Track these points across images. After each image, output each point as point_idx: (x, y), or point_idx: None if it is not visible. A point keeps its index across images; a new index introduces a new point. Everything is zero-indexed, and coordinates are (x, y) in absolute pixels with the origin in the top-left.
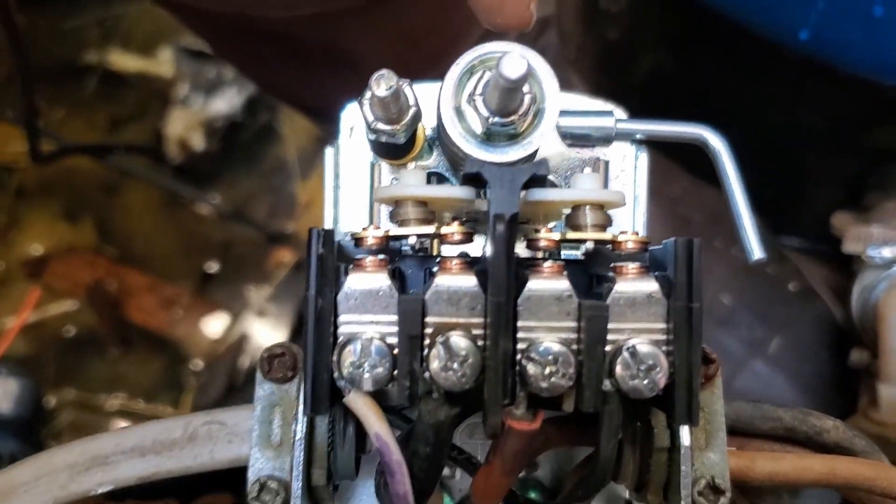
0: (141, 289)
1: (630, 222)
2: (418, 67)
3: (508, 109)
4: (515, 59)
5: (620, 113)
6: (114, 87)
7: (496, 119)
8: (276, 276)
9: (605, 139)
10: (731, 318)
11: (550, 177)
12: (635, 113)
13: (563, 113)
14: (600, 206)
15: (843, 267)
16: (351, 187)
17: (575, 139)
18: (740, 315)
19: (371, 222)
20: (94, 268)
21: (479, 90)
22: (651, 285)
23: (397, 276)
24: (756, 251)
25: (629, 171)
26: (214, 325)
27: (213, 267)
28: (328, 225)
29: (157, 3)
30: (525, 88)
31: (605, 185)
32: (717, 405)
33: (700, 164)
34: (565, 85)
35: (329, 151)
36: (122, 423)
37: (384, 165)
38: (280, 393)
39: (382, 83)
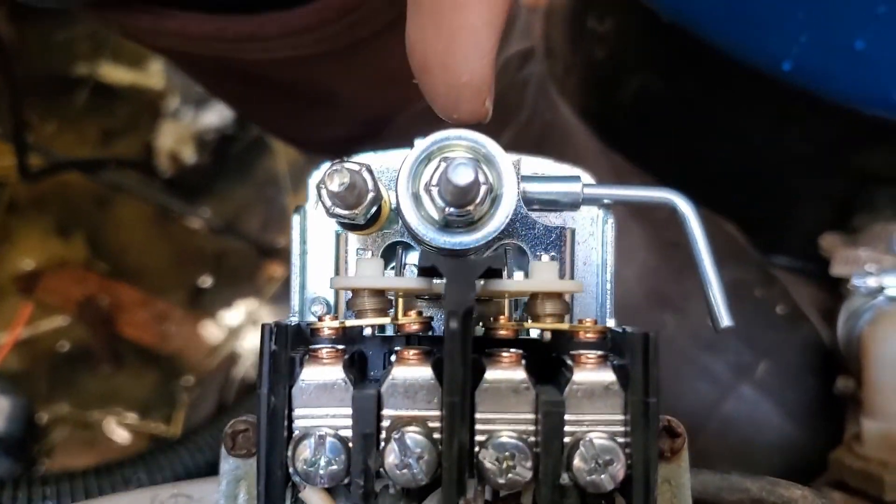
0: (133, 304)
1: (598, 289)
2: (399, 102)
3: (463, 202)
4: (462, 168)
5: (587, 178)
6: (105, 99)
7: (451, 210)
8: (268, 290)
9: (573, 205)
10: (718, 342)
11: (518, 242)
12: (622, 132)
13: (530, 179)
14: (558, 295)
15: (832, 288)
16: (319, 252)
17: (542, 205)
18: (727, 339)
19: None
20: (86, 283)
21: (434, 180)
22: (608, 376)
23: (357, 361)
24: (724, 319)
25: (597, 235)
26: (207, 340)
27: (206, 282)
28: (295, 290)
29: (135, 42)
30: (481, 178)
31: (572, 254)
32: (684, 478)
33: (687, 186)
34: (552, 109)
35: (295, 218)
36: (117, 440)
37: (350, 236)
38: (245, 467)
39: (336, 178)
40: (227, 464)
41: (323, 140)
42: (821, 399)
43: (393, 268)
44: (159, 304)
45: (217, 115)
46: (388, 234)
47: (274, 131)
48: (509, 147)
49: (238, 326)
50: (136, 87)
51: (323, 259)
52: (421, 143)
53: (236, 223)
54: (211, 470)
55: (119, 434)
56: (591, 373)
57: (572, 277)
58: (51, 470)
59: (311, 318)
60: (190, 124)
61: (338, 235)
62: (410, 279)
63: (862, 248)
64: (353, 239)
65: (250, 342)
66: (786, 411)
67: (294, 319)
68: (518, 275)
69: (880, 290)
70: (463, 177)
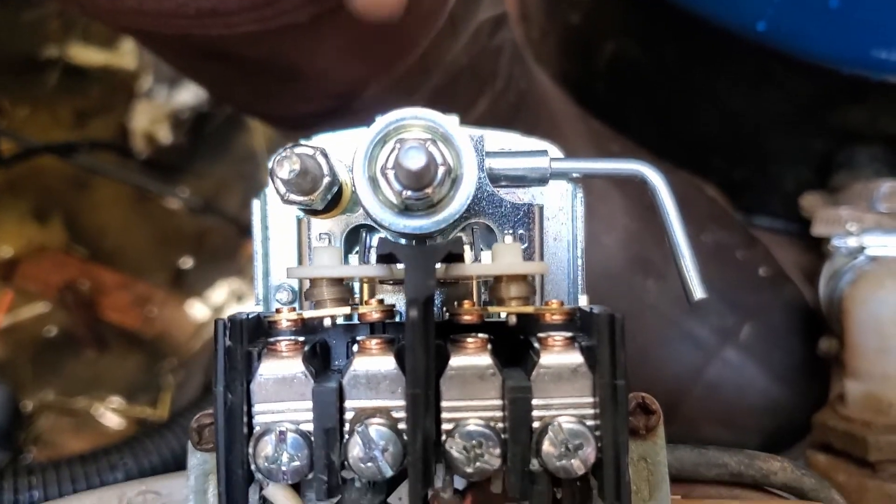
0: (114, 287)
1: (570, 266)
2: (368, 75)
3: (419, 185)
4: (413, 152)
5: (555, 151)
6: (76, 80)
7: (409, 193)
8: (250, 269)
9: (541, 180)
10: (701, 306)
11: (485, 221)
12: (600, 98)
13: (496, 154)
14: (523, 277)
15: (814, 248)
16: (281, 238)
17: (509, 181)
18: (711, 302)
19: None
20: (66, 268)
21: (389, 163)
22: (576, 358)
23: (319, 352)
24: (696, 291)
25: (567, 209)
26: (190, 321)
27: (187, 262)
28: (258, 278)
29: (97, 20)
30: (438, 159)
31: (541, 231)
32: (660, 455)
33: (666, 150)
34: (528, 76)
35: (256, 203)
36: (103, 426)
37: (312, 220)
38: (213, 461)
39: (286, 165)
40: (195, 458)
41: (295, 116)
42: (806, 360)
43: (358, 252)
44: (141, 286)
45: (192, 94)
46: (352, 217)
47: (246, 110)
48: (485, 116)
49: (221, 306)
50: (108, 67)
51: (286, 245)
52: (375, 125)
53: (215, 202)
54: None
55: (106, 419)
56: (558, 355)
57: (542, 255)
58: (38, 458)
59: (277, 306)
60: (164, 103)
61: (299, 220)
62: (369, 267)
63: (843, 207)
64: (316, 223)
65: None
66: (771, 373)
67: (258, 308)
68: (486, 254)
69: (861, 249)
70: (414, 161)
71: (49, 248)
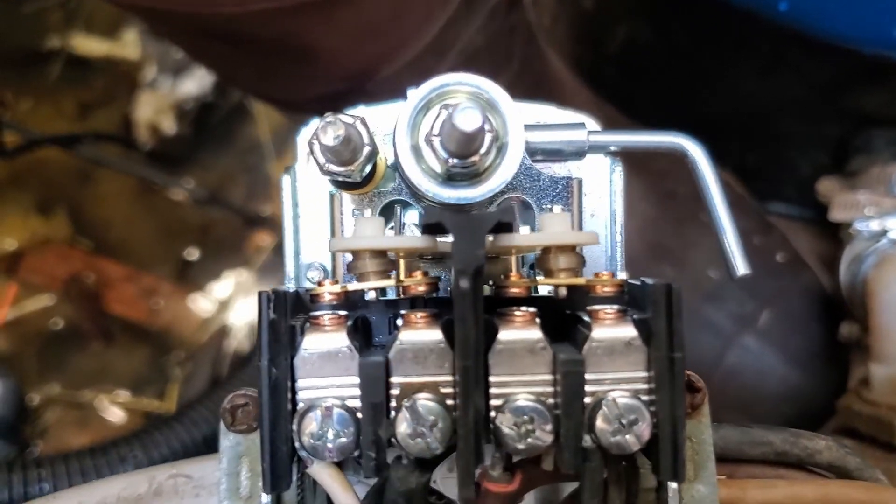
0: (119, 279)
1: (608, 242)
2: (381, 55)
3: (468, 152)
4: (469, 112)
5: (593, 124)
6: (79, 72)
7: (455, 161)
8: (256, 260)
9: (578, 153)
10: (719, 293)
11: (524, 196)
12: (613, 82)
13: (533, 128)
14: (572, 248)
15: (831, 234)
16: (312, 215)
17: (546, 155)
18: (728, 289)
19: (333, 255)
20: (71, 260)
21: (435, 129)
22: (629, 331)
23: (360, 327)
24: (740, 267)
25: (605, 184)
26: (196, 313)
27: (192, 254)
28: (289, 257)
29: (108, 1)
30: (486, 126)
31: (580, 206)
32: (705, 434)
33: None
34: (542, 59)
35: (285, 179)
36: (110, 419)
37: (345, 195)
38: (247, 443)
39: (330, 131)
40: (228, 440)
41: (306, 98)
42: (824, 345)
43: (392, 228)
44: (146, 278)
45: (196, 83)
46: (385, 193)
47: (256, 92)
48: None
49: (227, 298)
50: (110, 57)
51: (317, 222)
52: (419, 91)
53: (220, 193)
54: (208, 445)
55: (112, 412)
56: (610, 328)
57: (581, 228)
58: (44, 452)
59: (309, 285)
60: (168, 94)
61: (332, 196)
62: (415, 238)
63: (861, 191)
64: (348, 199)
65: (241, 314)
66: (790, 359)
67: (290, 287)
68: (524, 229)
69: (883, 233)
70: (470, 122)
71: (53, 241)
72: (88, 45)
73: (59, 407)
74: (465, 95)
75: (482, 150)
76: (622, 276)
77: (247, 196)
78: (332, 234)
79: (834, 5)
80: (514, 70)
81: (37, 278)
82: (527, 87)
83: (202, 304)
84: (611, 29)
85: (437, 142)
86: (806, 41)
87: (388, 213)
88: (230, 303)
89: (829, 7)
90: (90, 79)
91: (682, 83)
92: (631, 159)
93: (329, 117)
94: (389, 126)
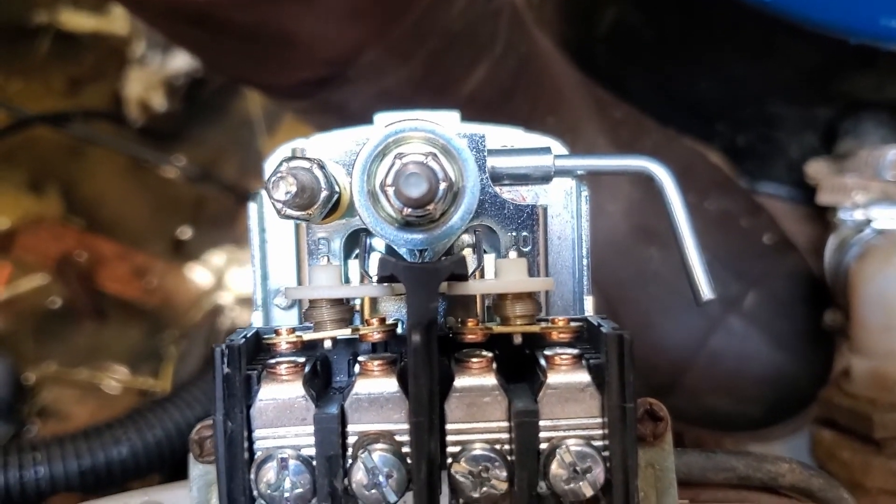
0: (113, 257)
1: (574, 265)
2: (361, 40)
3: (422, 202)
4: (415, 179)
5: (559, 148)
6: (68, 47)
7: (409, 210)
8: (248, 238)
9: (545, 178)
10: None
11: (488, 223)
12: (602, 64)
13: (498, 153)
14: (528, 295)
15: (819, 216)
16: (279, 240)
17: (512, 180)
18: (714, 270)
19: (299, 282)
20: (64, 238)
21: (389, 179)
22: (583, 378)
23: (320, 369)
24: (705, 291)
25: (571, 208)
26: (190, 291)
27: (185, 232)
28: (256, 283)
29: None
30: (440, 174)
31: (545, 233)
32: (668, 461)
33: (670, 116)
34: (528, 40)
35: (252, 206)
36: (106, 397)
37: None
38: (216, 473)
39: (281, 186)
40: (197, 469)
41: (289, 84)
42: (810, 329)
43: (357, 255)
44: (139, 256)
45: (185, 59)
46: (351, 221)
47: (238, 78)
48: (484, 82)
49: (221, 276)
50: (99, 33)
51: (284, 247)
52: (374, 138)
53: (212, 170)
54: None
55: (109, 390)
56: (565, 375)
57: (546, 257)
58: (42, 430)
59: (276, 311)
60: (158, 70)
61: (297, 225)
62: (370, 287)
63: (849, 174)
64: (316, 226)
65: (235, 291)
66: (775, 342)
67: (257, 314)
68: (489, 258)
69: (867, 222)
70: (416, 189)
71: (46, 219)
72: (76, 20)
73: (55, 385)
74: (420, 141)
75: (436, 200)
76: (588, 300)
77: (239, 173)
78: (298, 262)
79: None
80: (497, 53)
81: (30, 257)
82: (510, 70)
83: (195, 282)
84: (600, 9)
85: (391, 192)
86: (794, 28)
87: (354, 239)
88: (224, 281)
89: None
90: (79, 55)
91: (671, 64)
92: (617, 142)
93: (281, 171)
94: (355, 150)
